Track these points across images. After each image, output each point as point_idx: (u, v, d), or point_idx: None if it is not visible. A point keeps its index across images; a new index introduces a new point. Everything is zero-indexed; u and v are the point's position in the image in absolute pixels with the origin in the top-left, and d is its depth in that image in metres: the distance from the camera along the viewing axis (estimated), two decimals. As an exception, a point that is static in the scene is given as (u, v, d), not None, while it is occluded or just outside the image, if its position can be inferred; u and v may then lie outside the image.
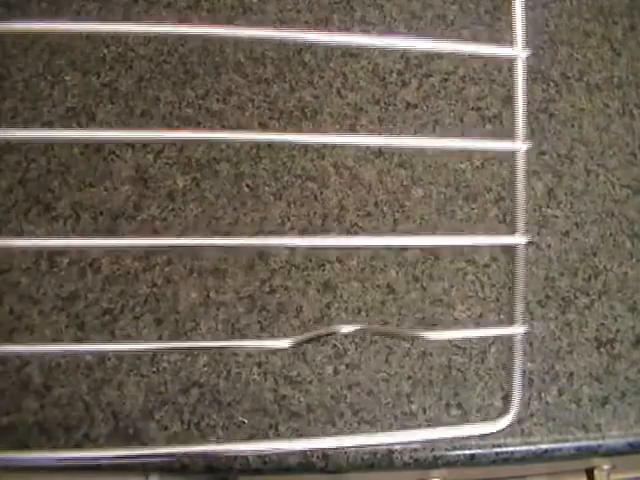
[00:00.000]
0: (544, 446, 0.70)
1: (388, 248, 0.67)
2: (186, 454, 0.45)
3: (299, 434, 0.68)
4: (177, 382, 0.68)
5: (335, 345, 0.71)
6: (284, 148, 0.76)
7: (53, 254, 0.71)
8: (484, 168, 0.77)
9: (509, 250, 0.49)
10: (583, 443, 0.71)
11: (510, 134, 0.48)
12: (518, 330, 0.49)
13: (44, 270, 0.70)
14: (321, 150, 0.76)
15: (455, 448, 0.68)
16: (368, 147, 0.76)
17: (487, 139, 0.49)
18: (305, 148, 0.76)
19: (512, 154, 0.48)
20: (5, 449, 0.64)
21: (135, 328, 0.69)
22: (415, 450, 0.68)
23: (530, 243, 0.48)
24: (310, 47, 0.79)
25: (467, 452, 0.69)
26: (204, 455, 0.64)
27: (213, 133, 0.47)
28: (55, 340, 0.69)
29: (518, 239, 0.49)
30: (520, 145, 0.47)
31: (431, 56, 0.80)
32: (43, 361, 0.68)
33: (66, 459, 0.47)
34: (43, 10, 0.77)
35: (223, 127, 0.75)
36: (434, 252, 0.74)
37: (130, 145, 0.74)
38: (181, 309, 0.70)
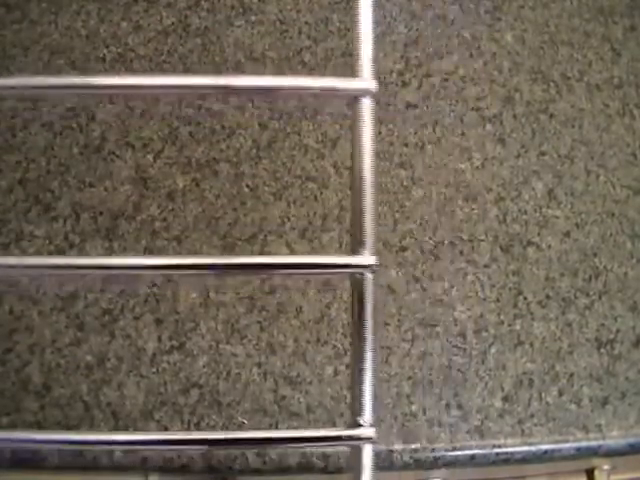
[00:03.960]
0: (544, 446, 0.70)
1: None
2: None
3: (299, 434, 0.68)
4: (177, 382, 0.68)
5: (335, 345, 0.71)
6: (284, 148, 0.76)
7: (52, 254, 0.71)
8: (484, 168, 0.77)
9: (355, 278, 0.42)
10: (583, 443, 0.71)
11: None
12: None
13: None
14: (321, 150, 0.76)
15: (455, 448, 0.68)
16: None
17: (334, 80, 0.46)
18: (305, 148, 0.76)
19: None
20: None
21: (135, 328, 0.69)
22: (415, 450, 0.68)
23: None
24: (310, 47, 0.79)
25: (467, 452, 0.69)
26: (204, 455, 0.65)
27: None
28: (55, 340, 0.69)
29: (366, 260, 0.42)
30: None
31: (431, 56, 0.80)
32: (43, 361, 0.68)
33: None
34: (43, 10, 0.77)
35: (223, 127, 0.75)
36: (434, 252, 0.74)
37: (130, 145, 0.74)
38: (181, 309, 0.70)
